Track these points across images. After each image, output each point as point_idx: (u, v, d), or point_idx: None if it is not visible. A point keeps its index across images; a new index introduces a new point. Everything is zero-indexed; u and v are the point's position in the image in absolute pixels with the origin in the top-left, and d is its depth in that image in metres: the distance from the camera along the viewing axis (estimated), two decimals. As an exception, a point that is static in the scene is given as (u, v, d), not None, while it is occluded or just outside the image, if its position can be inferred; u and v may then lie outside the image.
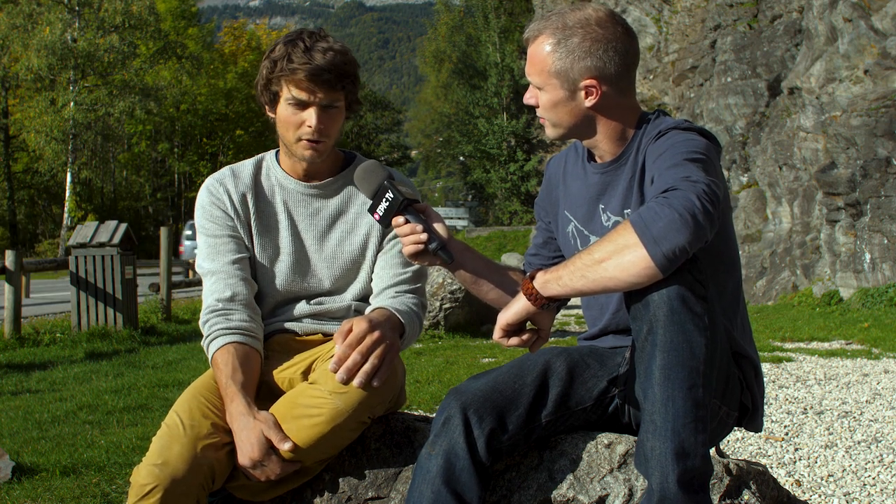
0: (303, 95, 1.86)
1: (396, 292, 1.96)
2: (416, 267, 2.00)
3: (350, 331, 1.72)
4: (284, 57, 1.85)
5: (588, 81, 1.70)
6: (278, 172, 2.01)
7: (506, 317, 1.57)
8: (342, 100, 1.90)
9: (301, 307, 1.98)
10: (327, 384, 1.68)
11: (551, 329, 1.63)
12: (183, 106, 40.45)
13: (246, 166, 2.03)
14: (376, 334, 1.73)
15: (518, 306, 1.55)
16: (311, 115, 1.87)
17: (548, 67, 1.71)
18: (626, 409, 1.75)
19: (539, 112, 1.79)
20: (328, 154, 1.96)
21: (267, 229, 1.98)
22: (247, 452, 1.69)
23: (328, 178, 2.01)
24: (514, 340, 1.59)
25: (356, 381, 1.67)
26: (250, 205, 1.98)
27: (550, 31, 1.72)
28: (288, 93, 1.87)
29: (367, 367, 1.69)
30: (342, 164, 2.04)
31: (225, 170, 2.03)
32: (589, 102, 1.72)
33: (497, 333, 1.59)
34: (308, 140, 1.90)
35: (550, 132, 1.80)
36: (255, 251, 1.97)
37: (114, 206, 39.97)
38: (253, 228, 1.97)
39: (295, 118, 1.89)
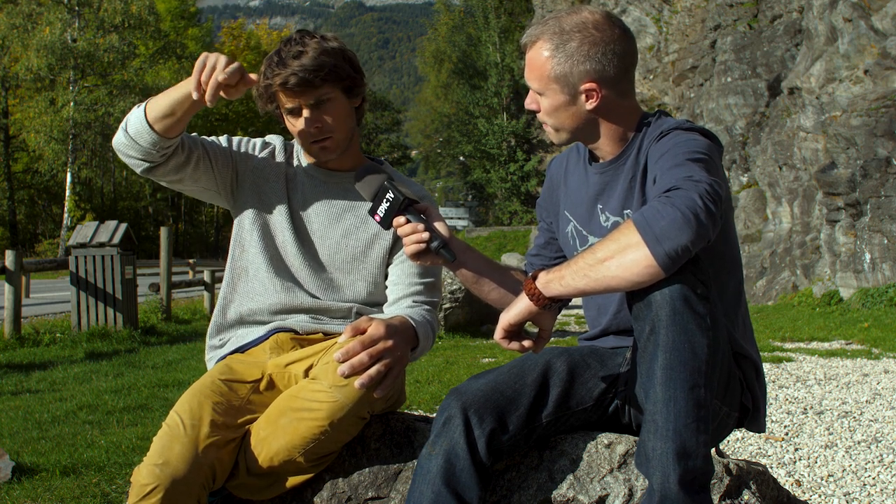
0: (289, 104, 1.91)
1: (414, 302, 1.97)
2: (432, 278, 2.01)
3: (365, 329, 1.71)
4: (262, 74, 1.91)
5: (588, 85, 1.70)
6: (302, 158, 2.07)
7: (507, 317, 1.56)
8: (332, 90, 1.91)
9: (302, 306, 1.97)
10: (327, 378, 1.68)
11: (553, 329, 1.63)
12: (183, 106, 40.41)
13: (281, 140, 2.11)
14: (390, 343, 1.71)
15: (520, 307, 1.54)
16: (303, 118, 1.91)
17: (547, 73, 1.71)
18: (626, 409, 1.75)
19: (541, 117, 1.79)
20: (349, 151, 2.00)
21: (278, 198, 2.00)
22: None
23: (349, 172, 2.04)
24: (514, 345, 1.58)
25: (357, 382, 1.65)
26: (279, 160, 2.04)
27: (548, 37, 1.71)
28: (281, 104, 1.93)
29: (372, 371, 1.67)
30: None
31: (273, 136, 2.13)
32: (590, 106, 1.72)
33: (498, 334, 1.58)
34: (314, 141, 1.94)
35: (554, 137, 1.80)
36: (259, 211, 1.99)
37: (114, 206, 40.01)
38: (265, 187, 2.01)
39: (296, 125, 1.94)
